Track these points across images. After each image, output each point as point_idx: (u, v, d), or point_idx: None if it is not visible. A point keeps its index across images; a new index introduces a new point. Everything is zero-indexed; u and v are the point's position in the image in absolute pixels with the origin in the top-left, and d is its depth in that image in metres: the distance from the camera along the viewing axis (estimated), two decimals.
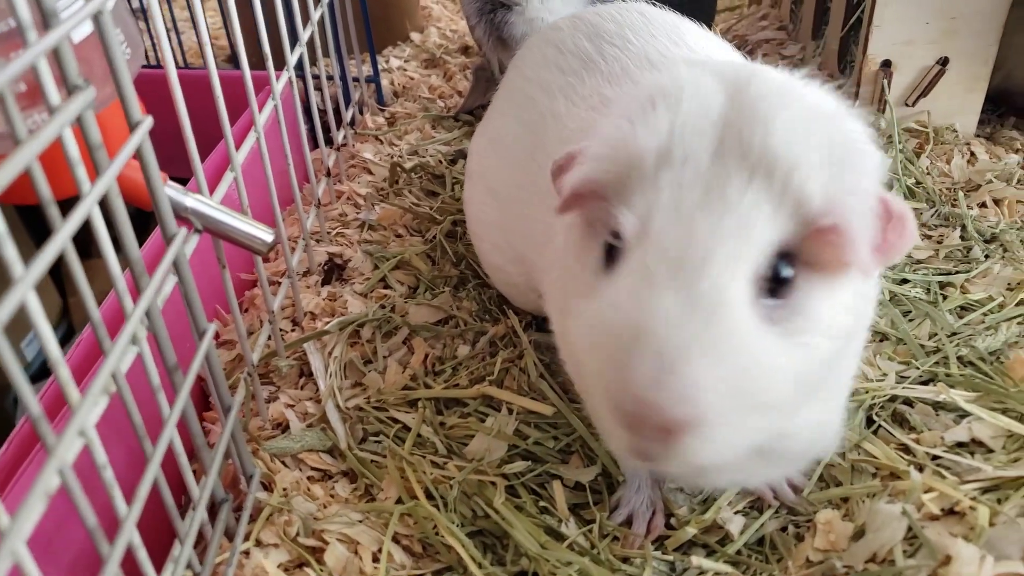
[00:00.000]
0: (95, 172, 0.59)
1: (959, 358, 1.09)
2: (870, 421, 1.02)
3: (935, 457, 0.94)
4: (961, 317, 1.18)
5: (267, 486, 1.01)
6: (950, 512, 0.85)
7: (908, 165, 1.51)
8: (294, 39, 1.32)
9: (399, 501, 0.98)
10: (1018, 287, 1.22)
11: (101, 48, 0.62)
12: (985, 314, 1.18)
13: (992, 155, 1.57)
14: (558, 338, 0.86)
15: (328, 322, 1.26)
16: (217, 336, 1.28)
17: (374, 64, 2.00)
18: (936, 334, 1.14)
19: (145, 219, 1.51)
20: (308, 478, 1.03)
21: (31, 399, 0.49)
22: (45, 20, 0.52)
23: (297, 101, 1.38)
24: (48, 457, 0.51)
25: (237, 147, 1.06)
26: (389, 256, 1.41)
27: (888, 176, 1.47)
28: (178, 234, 0.75)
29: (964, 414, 0.99)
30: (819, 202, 0.58)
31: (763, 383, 0.58)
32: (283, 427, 1.11)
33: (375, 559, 0.92)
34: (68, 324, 1.74)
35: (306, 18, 1.42)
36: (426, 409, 1.10)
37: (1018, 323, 1.14)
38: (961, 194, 1.44)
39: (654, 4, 1.10)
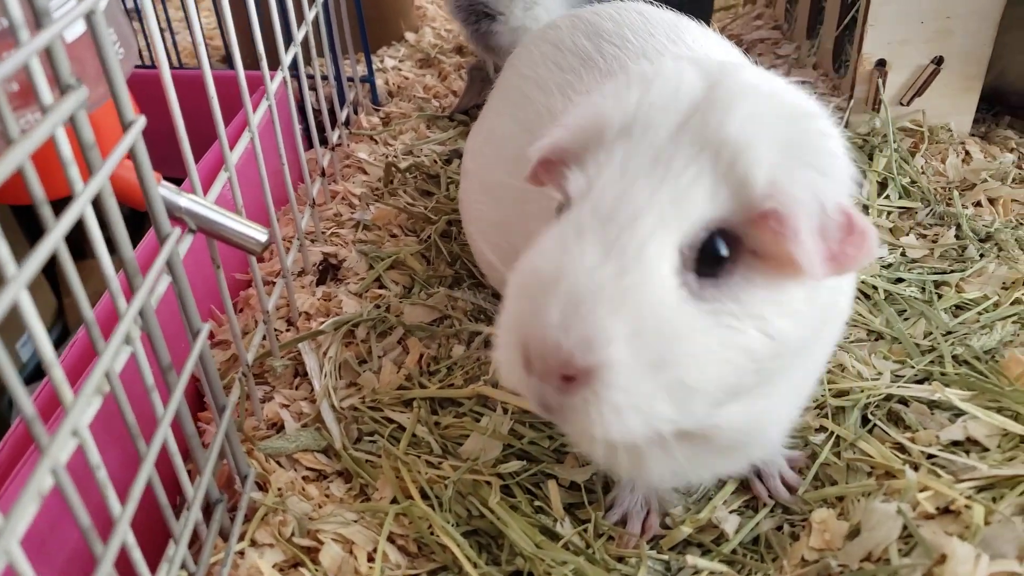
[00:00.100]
0: (88, 172, 0.58)
1: (954, 357, 1.10)
2: (865, 420, 1.02)
3: (930, 456, 0.94)
4: (956, 316, 1.19)
5: (262, 486, 1.01)
6: (945, 511, 0.85)
7: (903, 164, 1.51)
8: (288, 39, 1.32)
9: (394, 501, 0.98)
10: (1013, 286, 1.22)
11: (94, 48, 0.62)
12: (980, 313, 1.18)
13: (987, 154, 1.57)
14: None
15: (323, 322, 1.26)
16: (212, 336, 1.28)
17: (369, 64, 1.99)
18: (931, 333, 1.15)
19: (139, 219, 1.50)
20: (303, 478, 1.03)
21: (24, 399, 0.49)
22: (37, 19, 0.52)
23: (292, 101, 1.38)
24: (42, 457, 0.51)
25: (231, 147, 1.05)
26: (384, 256, 1.40)
27: (883, 175, 1.48)
28: (172, 234, 0.75)
29: (959, 413, 1.00)
30: (762, 186, 0.59)
31: (676, 351, 0.58)
32: (278, 427, 1.11)
33: (370, 559, 0.92)
34: (63, 325, 1.73)
35: (300, 18, 1.42)
36: (421, 409, 1.10)
37: (1013, 322, 1.15)
38: (956, 193, 1.44)
39: (653, 3, 1.10)
